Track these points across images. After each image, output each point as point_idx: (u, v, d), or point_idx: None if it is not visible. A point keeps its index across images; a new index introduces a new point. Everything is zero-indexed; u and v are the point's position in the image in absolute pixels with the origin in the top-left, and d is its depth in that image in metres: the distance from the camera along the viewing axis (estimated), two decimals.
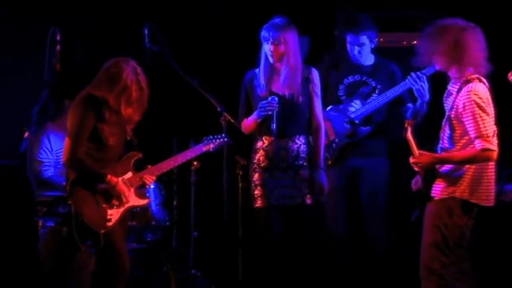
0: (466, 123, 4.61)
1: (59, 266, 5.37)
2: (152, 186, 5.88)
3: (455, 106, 4.66)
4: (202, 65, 6.54)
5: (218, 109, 5.49)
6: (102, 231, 4.95)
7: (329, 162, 5.85)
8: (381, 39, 6.13)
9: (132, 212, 5.62)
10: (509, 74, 4.69)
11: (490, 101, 4.66)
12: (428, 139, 4.86)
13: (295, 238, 5.40)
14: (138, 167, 5.21)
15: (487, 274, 5.61)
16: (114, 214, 5.02)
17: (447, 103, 4.78)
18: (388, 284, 5.97)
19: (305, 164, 5.41)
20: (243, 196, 5.73)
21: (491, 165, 4.70)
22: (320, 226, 5.86)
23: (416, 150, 4.71)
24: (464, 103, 4.60)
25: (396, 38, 6.60)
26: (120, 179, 5.06)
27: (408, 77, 5.69)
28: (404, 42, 6.56)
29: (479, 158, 4.60)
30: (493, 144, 4.59)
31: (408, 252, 5.38)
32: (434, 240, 4.66)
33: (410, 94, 5.80)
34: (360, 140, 5.91)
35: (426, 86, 5.65)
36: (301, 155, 5.41)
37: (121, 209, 5.06)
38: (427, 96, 5.68)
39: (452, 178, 4.68)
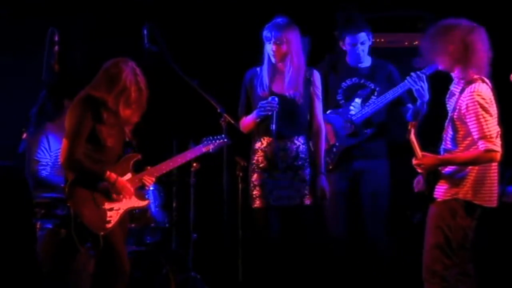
0: (469, 124, 4.59)
1: (57, 268, 5.36)
2: (151, 188, 5.85)
3: (458, 107, 4.64)
4: (202, 65, 6.52)
5: (218, 110, 5.47)
6: (102, 233, 4.92)
7: (330, 167, 5.82)
8: (382, 40, 6.13)
9: (131, 214, 5.58)
10: (511, 75, 4.67)
11: (493, 101, 4.65)
12: (430, 141, 4.84)
13: (294, 238, 5.38)
14: (137, 169, 5.19)
15: (490, 276, 5.62)
16: (113, 216, 5.00)
17: (450, 104, 4.76)
18: (388, 285, 5.93)
19: (304, 164, 5.39)
20: (243, 197, 5.70)
21: (494, 166, 4.69)
22: (319, 227, 5.83)
23: (419, 152, 4.69)
24: (467, 104, 4.59)
25: (397, 39, 6.60)
26: (119, 177, 5.03)
27: (408, 77, 5.66)
28: (406, 43, 6.55)
29: (483, 159, 4.58)
30: (497, 145, 4.57)
31: (410, 253, 5.36)
32: (437, 242, 4.64)
33: (410, 94, 5.77)
34: (360, 143, 5.89)
35: (425, 86, 5.62)
36: (300, 155, 5.39)
37: (121, 211, 5.02)
38: (426, 96, 5.65)
39: (455, 179, 4.66)
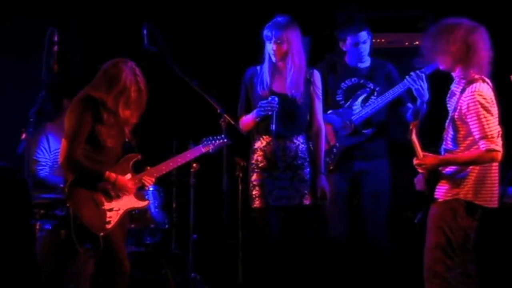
0: (470, 123, 4.57)
1: (57, 269, 5.34)
2: (151, 189, 5.87)
3: (458, 107, 4.63)
4: (202, 65, 6.51)
5: (218, 110, 5.45)
6: (101, 233, 4.90)
7: (331, 167, 5.80)
8: (382, 40, 6.11)
9: (130, 215, 5.57)
10: None
11: (494, 101, 4.63)
12: (431, 141, 4.82)
13: (294, 239, 5.36)
14: (137, 169, 5.17)
15: (491, 277, 5.61)
16: (113, 216, 4.98)
17: (450, 104, 4.75)
18: (388, 285, 5.92)
19: (304, 164, 5.38)
20: (243, 198, 5.69)
21: (495, 166, 4.67)
22: (319, 227, 5.82)
23: (420, 152, 4.67)
24: (468, 104, 4.57)
25: (397, 39, 6.59)
26: (119, 176, 5.02)
27: (407, 76, 5.65)
28: (406, 43, 6.54)
29: (484, 159, 4.57)
30: (498, 145, 4.56)
31: (410, 254, 5.35)
32: (438, 242, 4.63)
33: (410, 94, 5.76)
34: (360, 144, 5.87)
35: (425, 85, 5.61)
36: (300, 154, 5.38)
37: (121, 211, 5.01)
38: (426, 96, 5.64)
39: (456, 180, 4.65)
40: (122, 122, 5.01)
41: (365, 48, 5.86)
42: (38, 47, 5.30)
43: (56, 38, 5.20)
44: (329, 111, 5.90)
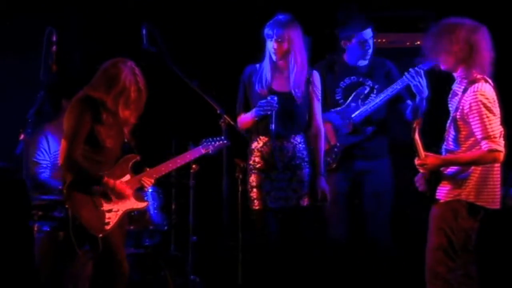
0: (472, 124, 4.55)
1: (55, 271, 5.31)
2: (150, 190, 5.84)
3: (460, 107, 4.61)
4: (201, 65, 6.50)
5: (218, 111, 5.43)
6: (100, 235, 4.88)
7: (333, 166, 5.78)
8: (383, 40, 6.09)
9: (130, 216, 5.54)
10: None
11: (496, 101, 4.62)
12: (433, 141, 4.80)
13: (292, 240, 5.34)
14: (136, 170, 5.15)
15: (493, 278, 5.60)
16: (112, 217, 4.96)
17: (452, 104, 4.73)
18: (389, 286, 5.89)
19: (302, 164, 5.35)
20: (243, 199, 5.67)
21: (497, 167, 4.65)
22: (319, 228, 5.80)
23: (422, 152, 4.65)
24: (470, 104, 4.55)
25: (399, 39, 6.58)
26: (117, 181, 4.98)
27: (406, 73, 5.63)
28: (408, 43, 6.53)
29: (486, 159, 4.55)
30: (500, 145, 4.54)
31: (411, 254, 5.33)
32: (440, 244, 4.61)
33: (409, 91, 5.74)
34: (361, 143, 5.85)
35: (424, 81, 5.59)
36: (297, 154, 5.35)
37: (120, 212, 4.98)
38: (425, 92, 5.62)
39: (458, 180, 4.63)
40: (121, 122, 4.99)
41: (371, 45, 5.84)
42: (37, 47, 5.29)
43: (54, 38, 5.19)
44: (329, 110, 5.87)
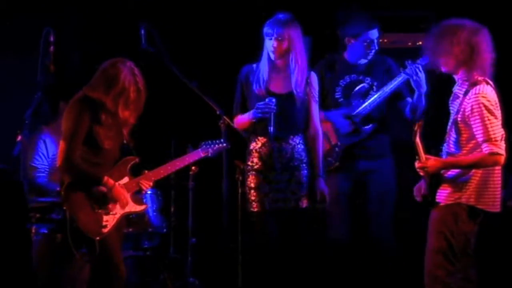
0: (473, 126, 4.52)
1: (53, 274, 5.30)
2: (149, 192, 5.84)
3: (462, 109, 4.58)
4: (200, 65, 6.48)
5: (217, 112, 5.40)
6: (98, 237, 4.85)
7: (336, 164, 5.76)
8: (385, 40, 6.07)
9: (128, 219, 5.53)
10: None
11: (498, 104, 4.59)
12: (433, 144, 4.76)
13: (291, 241, 5.31)
14: (135, 172, 5.13)
15: (492, 282, 5.57)
16: (110, 220, 4.93)
17: (453, 106, 4.71)
18: (393, 286, 5.86)
19: (300, 165, 5.32)
20: (243, 201, 5.64)
21: (497, 170, 4.63)
22: (318, 230, 5.78)
23: (423, 155, 4.63)
24: (472, 106, 4.52)
25: (400, 39, 6.57)
26: (117, 183, 4.96)
27: (404, 68, 5.59)
28: (409, 43, 6.51)
29: (487, 162, 4.52)
30: (501, 148, 4.51)
31: (414, 254, 5.30)
32: (439, 247, 4.59)
33: (409, 88, 5.71)
34: (363, 142, 5.82)
35: (423, 75, 5.57)
36: (296, 156, 5.32)
37: (117, 215, 4.95)
38: (424, 87, 5.60)
39: (458, 183, 4.61)
40: (121, 123, 4.96)
41: (376, 46, 5.80)
42: (37, 47, 5.28)
43: (52, 38, 5.16)
44: (329, 109, 5.84)
